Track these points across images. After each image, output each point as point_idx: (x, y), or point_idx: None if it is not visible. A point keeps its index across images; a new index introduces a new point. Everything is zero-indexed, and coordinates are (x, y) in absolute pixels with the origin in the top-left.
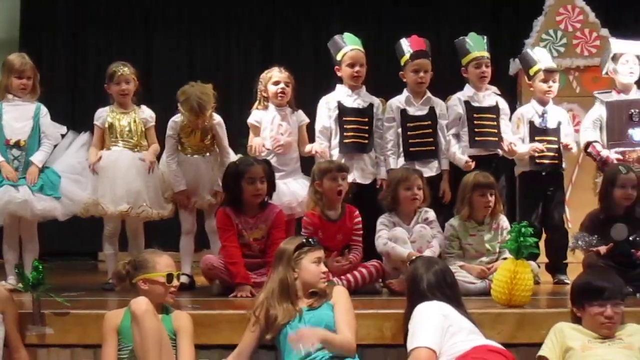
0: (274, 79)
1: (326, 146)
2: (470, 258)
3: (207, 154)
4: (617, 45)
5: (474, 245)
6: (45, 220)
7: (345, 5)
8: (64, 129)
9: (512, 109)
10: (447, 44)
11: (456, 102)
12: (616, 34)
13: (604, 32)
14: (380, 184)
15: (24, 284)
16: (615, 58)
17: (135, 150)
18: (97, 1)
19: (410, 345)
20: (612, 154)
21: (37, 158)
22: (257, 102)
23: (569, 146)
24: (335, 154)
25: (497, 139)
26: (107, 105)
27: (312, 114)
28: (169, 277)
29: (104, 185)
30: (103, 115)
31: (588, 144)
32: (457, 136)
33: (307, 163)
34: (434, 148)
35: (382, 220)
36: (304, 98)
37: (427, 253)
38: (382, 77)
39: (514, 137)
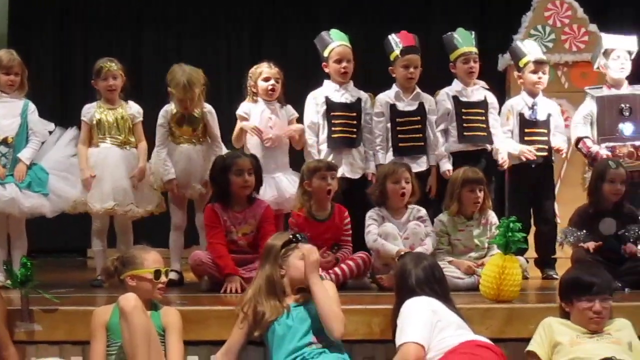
0: (264, 75)
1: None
2: (458, 253)
3: (199, 143)
4: (609, 40)
5: (463, 240)
6: (34, 217)
7: (334, 1)
8: (51, 126)
9: (501, 105)
10: (435, 40)
11: (444, 97)
12: (604, 29)
13: (593, 27)
14: (371, 179)
15: (13, 280)
16: (606, 53)
17: (124, 147)
18: None
19: (398, 341)
20: (602, 150)
21: (25, 155)
22: (248, 98)
23: (560, 150)
24: (324, 148)
25: (485, 133)
26: (95, 101)
27: (300, 109)
28: (157, 273)
29: (92, 183)
30: (91, 111)
31: (579, 140)
32: (445, 132)
33: (297, 159)
34: (422, 144)
35: (370, 214)
36: (293, 93)
37: (419, 250)
38: (371, 73)
39: (506, 136)
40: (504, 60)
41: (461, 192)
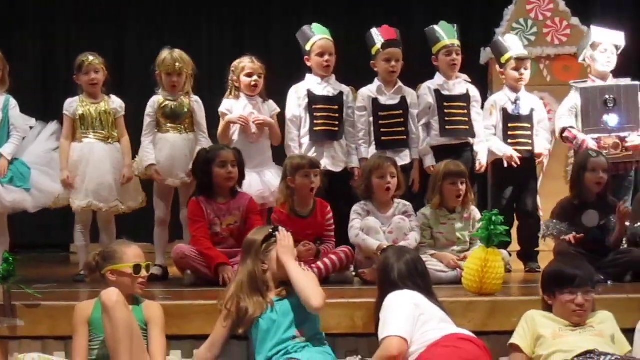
0: (247, 70)
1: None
2: (441, 247)
3: (185, 133)
4: (597, 33)
5: (445, 234)
6: (16, 212)
7: None
8: (32, 121)
9: (484, 99)
10: (418, 34)
11: (426, 91)
12: (586, 22)
13: (575, 20)
14: (356, 173)
15: None
16: (594, 45)
17: (108, 141)
18: None
19: (381, 334)
20: (589, 138)
21: (6, 150)
22: (229, 92)
23: (541, 157)
24: (306, 142)
25: (467, 127)
26: (77, 96)
27: (282, 103)
28: (136, 268)
29: (76, 179)
30: (73, 105)
31: (563, 130)
32: (427, 126)
33: (279, 154)
34: (405, 137)
35: (356, 208)
36: (275, 87)
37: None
38: (353, 67)
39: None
40: (486, 53)
41: (443, 184)
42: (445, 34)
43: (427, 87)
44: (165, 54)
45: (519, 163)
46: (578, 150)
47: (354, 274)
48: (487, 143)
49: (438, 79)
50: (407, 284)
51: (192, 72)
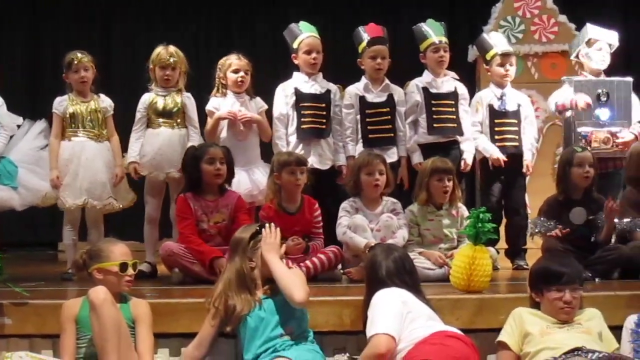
0: (234, 67)
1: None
2: (428, 244)
3: (177, 128)
4: (594, 30)
5: (432, 230)
6: (3, 210)
7: None
8: (20, 120)
9: (472, 96)
10: (405, 32)
11: (414, 88)
12: (574, 20)
13: (562, 18)
14: (343, 171)
15: None
16: (589, 43)
17: (98, 140)
18: None
19: (369, 332)
20: (579, 96)
21: None
22: (215, 89)
23: (528, 167)
24: (293, 140)
25: (455, 125)
26: (66, 94)
27: (269, 101)
28: (123, 266)
29: (67, 177)
30: (63, 104)
31: (556, 105)
32: (414, 124)
33: (267, 152)
34: (392, 135)
35: (344, 205)
36: (262, 85)
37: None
38: (340, 64)
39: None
40: (473, 51)
41: (430, 181)
42: (433, 31)
43: (415, 85)
44: (160, 48)
45: (503, 166)
46: (574, 109)
47: (342, 271)
48: (475, 142)
49: (426, 77)
50: (395, 281)
51: (186, 70)
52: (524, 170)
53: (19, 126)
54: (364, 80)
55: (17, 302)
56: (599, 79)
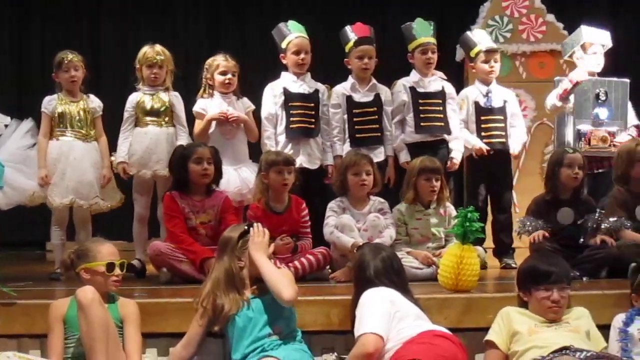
0: (221, 68)
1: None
2: (415, 243)
3: (165, 127)
4: (588, 34)
5: (420, 229)
6: None
7: None
8: (7, 120)
9: None
10: (394, 31)
11: (401, 88)
12: (561, 19)
13: (550, 17)
14: (329, 170)
15: None
16: (584, 47)
17: (86, 140)
18: None
19: (357, 332)
20: (574, 73)
21: None
22: (202, 89)
23: (515, 155)
24: (282, 139)
25: (443, 124)
26: (55, 94)
27: (256, 100)
28: (110, 266)
29: (54, 176)
30: (52, 103)
31: (558, 95)
32: (401, 123)
33: (256, 151)
34: (379, 134)
35: (331, 205)
36: (250, 85)
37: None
38: (329, 64)
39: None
40: (461, 50)
41: (417, 180)
42: (422, 31)
43: (402, 85)
44: (146, 48)
45: (486, 154)
46: (573, 88)
47: (329, 271)
48: (456, 143)
49: (414, 76)
50: (383, 281)
51: (172, 68)
52: (511, 152)
53: (6, 126)
54: (351, 80)
55: (5, 302)
56: (598, 79)
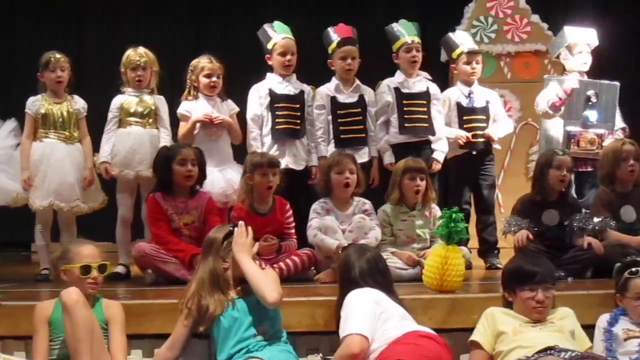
0: (206, 70)
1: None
2: (401, 244)
3: (149, 127)
4: (572, 34)
5: (405, 230)
6: None
7: None
8: None
9: None
10: (378, 32)
11: (385, 89)
12: (546, 20)
13: (535, 18)
14: (313, 171)
15: None
16: (569, 47)
17: (69, 142)
18: None
19: (342, 332)
20: (569, 78)
21: None
22: (187, 91)
23: (492, 138)
24: (268, 141)
25: (427, 124)
26: (39, 94)
27: (241, 102)
28: (85, 268)
29: (36, 178)
30: (36, 104)
31: (552, 103)
32: (385, 124)
33: (240, 153)
34: (364, 135)
35: (315, 207)
36: (235, 86)
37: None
38: (313, 65)
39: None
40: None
41: (402, 180)
42: (406, 31)
43: (387, 85)
44: (129, 51)
45: (470, 140)
46: (567, 97)
47: (314, 272)
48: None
49: (398, 77)
50: (368, 281)
51: (157, 70)
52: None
53: None
54: (334, 81)
55: None
56: (589, 80)
